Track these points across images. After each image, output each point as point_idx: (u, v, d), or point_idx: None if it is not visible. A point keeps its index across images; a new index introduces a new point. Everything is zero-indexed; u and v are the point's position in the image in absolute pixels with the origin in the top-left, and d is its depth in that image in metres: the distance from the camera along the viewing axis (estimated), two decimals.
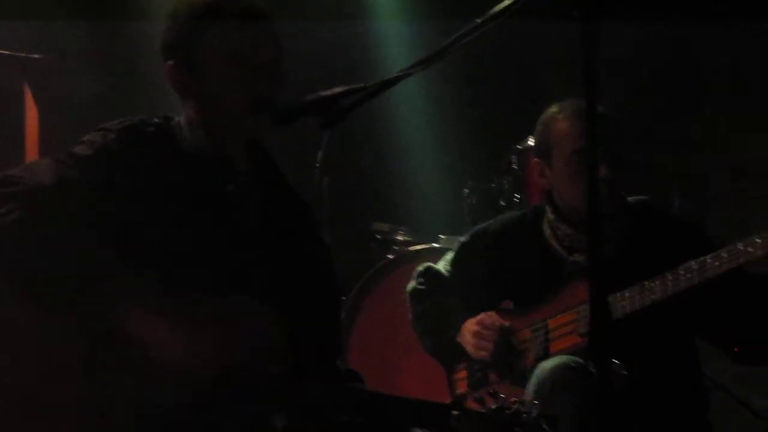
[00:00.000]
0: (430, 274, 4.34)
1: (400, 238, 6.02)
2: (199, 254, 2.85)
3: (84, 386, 2.67)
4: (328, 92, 2.80)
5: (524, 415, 2.85)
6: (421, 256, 5.37)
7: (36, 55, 4.75)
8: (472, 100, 6.60)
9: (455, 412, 2.85)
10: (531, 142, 5.46)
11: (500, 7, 2.39)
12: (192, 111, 3.00)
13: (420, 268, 4.40)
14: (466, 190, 5.85)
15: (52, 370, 2.67)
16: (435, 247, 5.51)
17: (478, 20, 2.46)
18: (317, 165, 5.15)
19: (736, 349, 3.83)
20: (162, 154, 2.93)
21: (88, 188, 2.79)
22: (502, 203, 5.60)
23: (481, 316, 4.03)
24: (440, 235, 5.69)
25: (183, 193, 2.90)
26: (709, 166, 6.55)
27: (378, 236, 6.05)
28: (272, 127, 2.93)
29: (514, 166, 5.52)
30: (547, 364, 3.64)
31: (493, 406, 2.87)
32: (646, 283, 3.69)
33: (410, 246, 5.73)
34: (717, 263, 3.57)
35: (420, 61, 2.68)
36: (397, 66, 2.79)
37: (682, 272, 3.63)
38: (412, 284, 4.37)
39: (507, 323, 3.99)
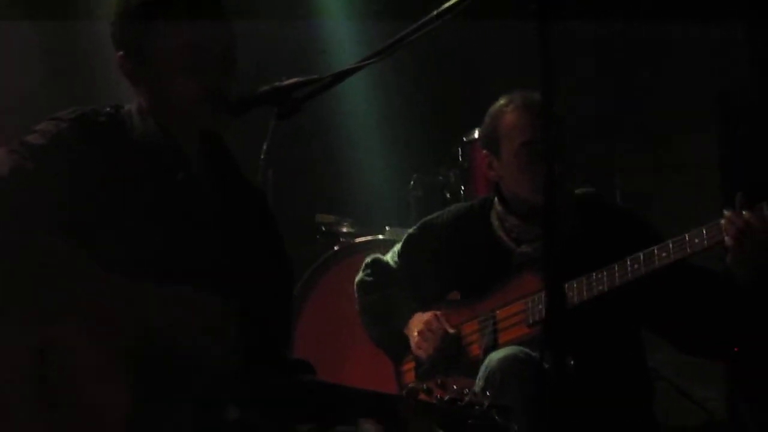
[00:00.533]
0: (378, 265, 4.35)
1: (344, 230, 6.01)
2: (151, 242, 2.84)
3: (39, 366, 2.65)
4: (283, 83, 2.80)
5: (477, 407, 2.87)
6: (366, 247, 5.37)
7: None
8: (417, 92, 6.61)
9: (409, 402, 2.86)
10: (477, 134, 5.49)
11: (455, 1, 2.40)
12: (144, 100, 2.99)
13: (368, 259, 4.41)
14: (412, 183, 5.87)
15: (7, 353, 2.65)
16: (380, 239, 5.51)
17: (434, 12, 2.46)
18: (262, 156, 5.16)
19: (682, 336, 3.86)
20: (113, 142, 2.92)
21: (42, 177, 2.77)
22: (448, 195, 5.62)
23: (429, 316, 4.04)
24: (386, 227, 5.69)
25: (134, 182, 2.89)
26: (648, 159, 6.62)
27: (323, 228, 6.04)
28: (225, 118, 2.93)
29: (460, 159, 5.54)
30: (496, 355, 3.66)
31: (446, 398, 2.89)
32: (594, 273, 3.72)
33: (355, 238, 5.73)
34: (664, 254, 3.61)
35: (374, 53, 2.70)
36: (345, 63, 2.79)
37: (629, 263, 3.67)
38: (359, 276, 4.38)
39: (452, 331, 4.01)
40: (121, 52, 2.97)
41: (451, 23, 2.53)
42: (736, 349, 3.86)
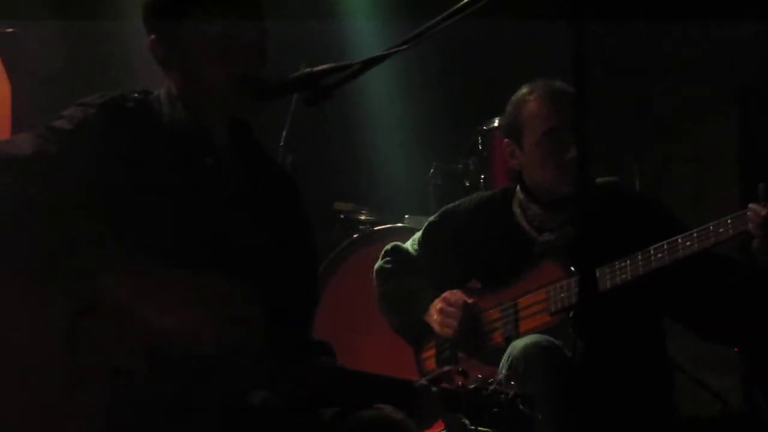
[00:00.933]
0: (398, 253, 4.36)
1: (362, 217, 6.03)
2: (179, 226, 2.85)
3: (66, 362, 2.66)
4: (314, 69, 2.80)
5: (502, 396, 2.89)
6: (386, 235, 5.38)
7: (9, 29, 4.70)
8: (438, 80, 6.61)
9: (434, 389, 2.87)
10: (496, 123, 5.51)
11: None
12: (174, 85, 3.00)
13: (387, 247, 4.42)
14: (432, 171, 5.88)
15: (33, 343, 2.66)
16: (399, 227, 5.52)
17: (462, 2, 2.47)
18: (281, 144, 5.17)
19: (704, 325, 3.87)
20: (142, 127, 2.93)
21: (68, 162, 2.78)
22: (467, 184, 5.63)
23: (446, 293, 4.05)
24: (405, 215, 5.70)
25: (162, 166, 2.90)
26: (666, 150, 6.62)
27: (341, 216, 6.06)
28: (256, 104, 2.94)
29: (480, 147, 5.55)
30: (519, 343, 3.66)
31: (470, 386, 2.91)
32: (617, 262, 3.73)
33: (374, 226, 5.74)
34: (688, 243, 3.61)
35: (402, 41, 2.69)
36: None
37: (652, 252, 3.67)
38: (379, 263, 4.38)
39: (471, 300, 4.02)
40: (153, 36, 2.98)
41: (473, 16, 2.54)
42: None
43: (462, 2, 2.55)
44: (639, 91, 6.31)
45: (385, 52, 2.69)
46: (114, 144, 2.85)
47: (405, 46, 2.61)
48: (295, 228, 3.11)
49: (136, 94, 2.99)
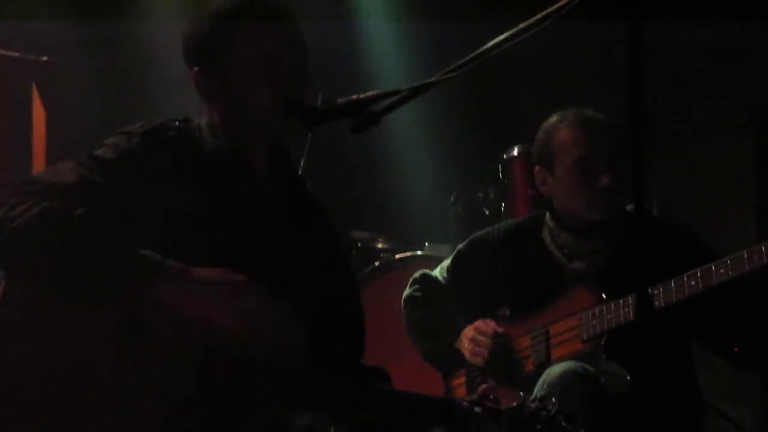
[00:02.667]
0: (426, 281, 4.36)
1: (379, 245, 6.03)
2: (220, 255, 2.84)
3: (114, 383, 2.65)
4: (361, 96, 2.80)
5: (544, 413, 2.89)
6: (406, 263, 5.38)
7: (45, 58, 4.72)
8: (458, 108, 6.62)
9: (477, 410, 2.88)
10: (516, 151, 5.53)
11: (544, 13, 2.40)
12: (217, 114, 3.00)
13: (416, 275, 4.41)
14: (452, 199, 5.89)
15: (82, 368, 2.66)
16: (420, 255, 5.52)
17: (521, 25, 2.47)
18: (299, 171, 5.18)
19: (735, 350, 3.87)
20: (183, 156, 2.93)
21: (111, 190, 2.79)
22: (487, 212, 5.64)
23: (478, 322, 4.06)
24: (425, 243, 5.70)
25: (203, 194, 2.90)
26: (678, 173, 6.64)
27: (358, 244, 6.06)
28: (300, 130, 2.94)
29: (500, 175, 5.57)
30: (554, 370, 3.66)
31: (513, 404, 2.91)
32: (650, 289, 3.72)
33: (393, 253, 5.74)
34: (722, 270, 3.61)
35: (453, 67, 2.67)
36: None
37: (686, 279, 3.67)
38: (407, 291, 4.38)
39: (502, 329, 4.02)
40: (196, 68, 2.99)
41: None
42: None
43: (510, 32, 2.54)
44: (655, 116, 6.32)
45: (435, 79, 2.68)
46: (156, 172, 2.86)
47: (454, 73, 2.61)
48: (335, 255, 3.13)
49: (177, 123, 3.00)
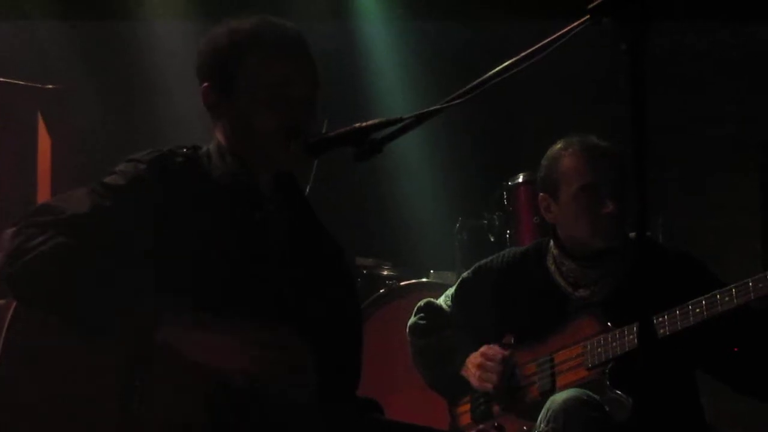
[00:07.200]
0: (431, 309, 4.35)
1: (384, 272, 6.02)
2: (229, 280, 2.86)
3: (120, 414, 2.66)
4: (363, 124, 2.80)
5: None
6: (412, 290, 5.38)
7: (50, 86, 4.74)
8: (462, 135, 6.63)
9: None
10: (521, 178, 5.53)
11: (547, 40, 2.41)
12: (223, 136, 3.02)
13: (420, 303, 4.40)
14: (457, 226, 5.88)
15: (89, 398, 2.67)
16: (425, 282, 5.52)
17: (524, 53, 2.47)
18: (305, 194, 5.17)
19: (740, 377, 3.86)
20: (191, 183, 2.95)
21: (122, 218, 2.81)
22: (492, 239, 5.63)
23: (484, 348, 4.05)
24: (430, 270, 5.70)
25: (212, 221, 2.91)
26: (685, 199, 6.64)
27: (363, 271, 6.05)
28: (304, 157, 2.95)
29: (505, 203, 5.57)
30: (559, 397, 3.66)
31: None
32: (654, 318, 3.72)
33: (398, 281, 5.73)
34: (727, 299, 3.60)
35: (457, 95, 2.68)
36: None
37: (690, 307, 3.66)
38: (412, 320, 4.37)
39: (508, 354, 4.02)
40: (206, 83, 3.00)
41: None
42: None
43: (516, 57, 2.54)
44: (660, 142, 6.33)
45: (439, 106, 2.68)
46: (164, 199, 2.88)
47: (459, 100, 2.61)
48: (341, 283, 3.12)
49: (185, 149, 3.02)
